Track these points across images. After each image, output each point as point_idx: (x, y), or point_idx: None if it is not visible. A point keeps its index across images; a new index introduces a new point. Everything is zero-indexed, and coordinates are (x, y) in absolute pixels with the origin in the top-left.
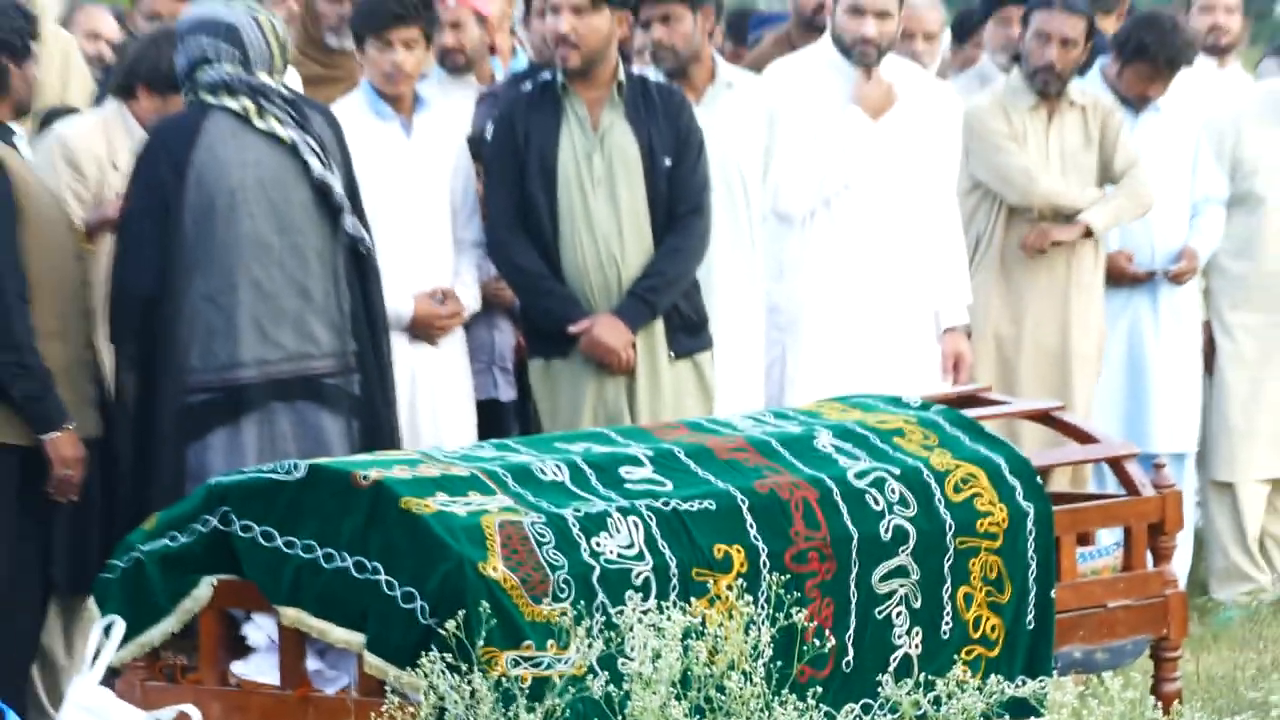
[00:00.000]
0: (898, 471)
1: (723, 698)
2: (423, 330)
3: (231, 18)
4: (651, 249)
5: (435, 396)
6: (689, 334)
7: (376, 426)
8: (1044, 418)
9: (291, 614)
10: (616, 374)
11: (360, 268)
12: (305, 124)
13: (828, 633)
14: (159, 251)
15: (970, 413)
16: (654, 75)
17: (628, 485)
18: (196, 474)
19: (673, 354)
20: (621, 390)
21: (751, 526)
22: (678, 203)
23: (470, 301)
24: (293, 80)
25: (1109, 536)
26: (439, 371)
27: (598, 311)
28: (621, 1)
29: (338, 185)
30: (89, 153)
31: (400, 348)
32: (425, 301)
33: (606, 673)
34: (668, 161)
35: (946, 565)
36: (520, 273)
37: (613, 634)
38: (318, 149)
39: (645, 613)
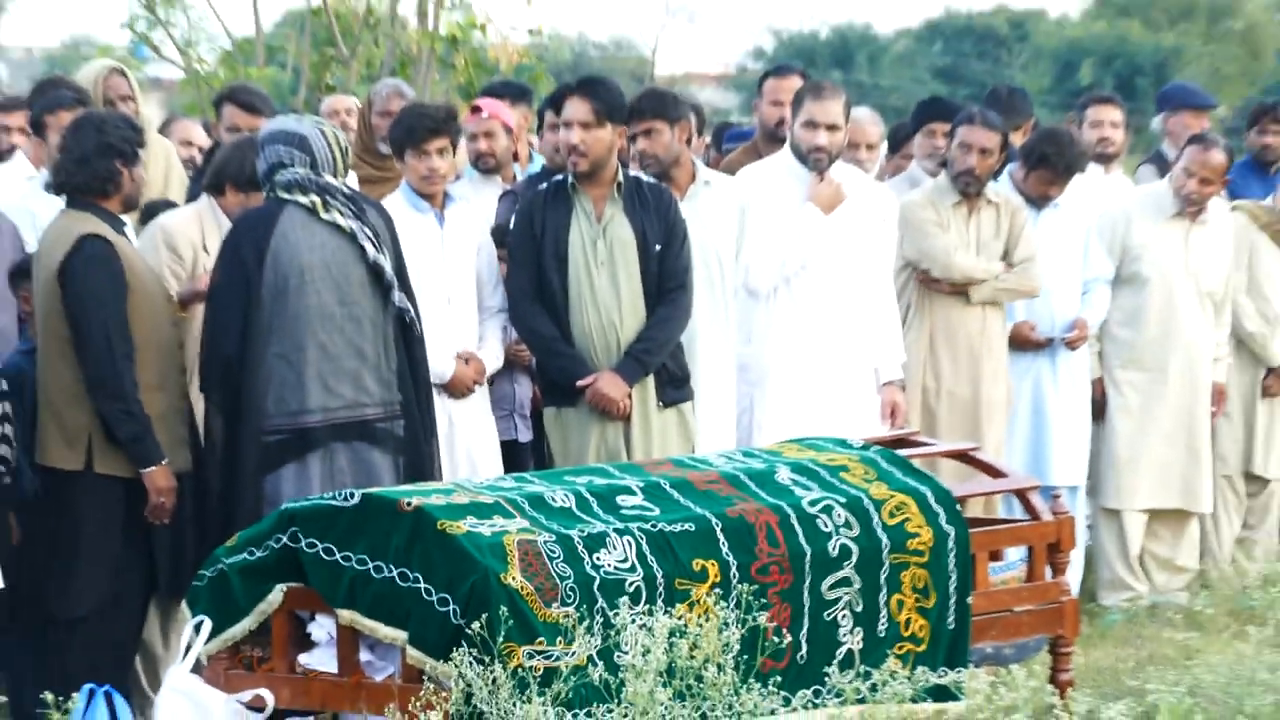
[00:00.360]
0: (843, 500)
1: (700, 685)
2: (455, 388)
3: (303, 130)
4: (644, 318)
5: (468, 438)
6: (674, 387)
7: (419, 462)
8: (962, 456)
9: (347, 615)
10: (616, 420)
11: (406, 334)
12: (362, 216)
13: (785, 632)
14: (241, 319)
15: (902, 452)
16: (645, 177)
17: (623, 511)
18: (272, 500)
19: (661, 403)
20: (620, 433)
21: (724, 545)
22: (666, 280)
23: (493, 361)
24: (351, 180)
25: (1015, 553)
26: (470, 418)
27: (600, 369)
28: (619, 119)
29: (388, 266)
30: (185, 238)
31: (439, 399)
32: (459, 365)
33: (604, 664)
34: (658, 247)
35: (883, 577)
36: (537, 337)
37: (610, 632)
38: (372, 237)
39: (636, 615)
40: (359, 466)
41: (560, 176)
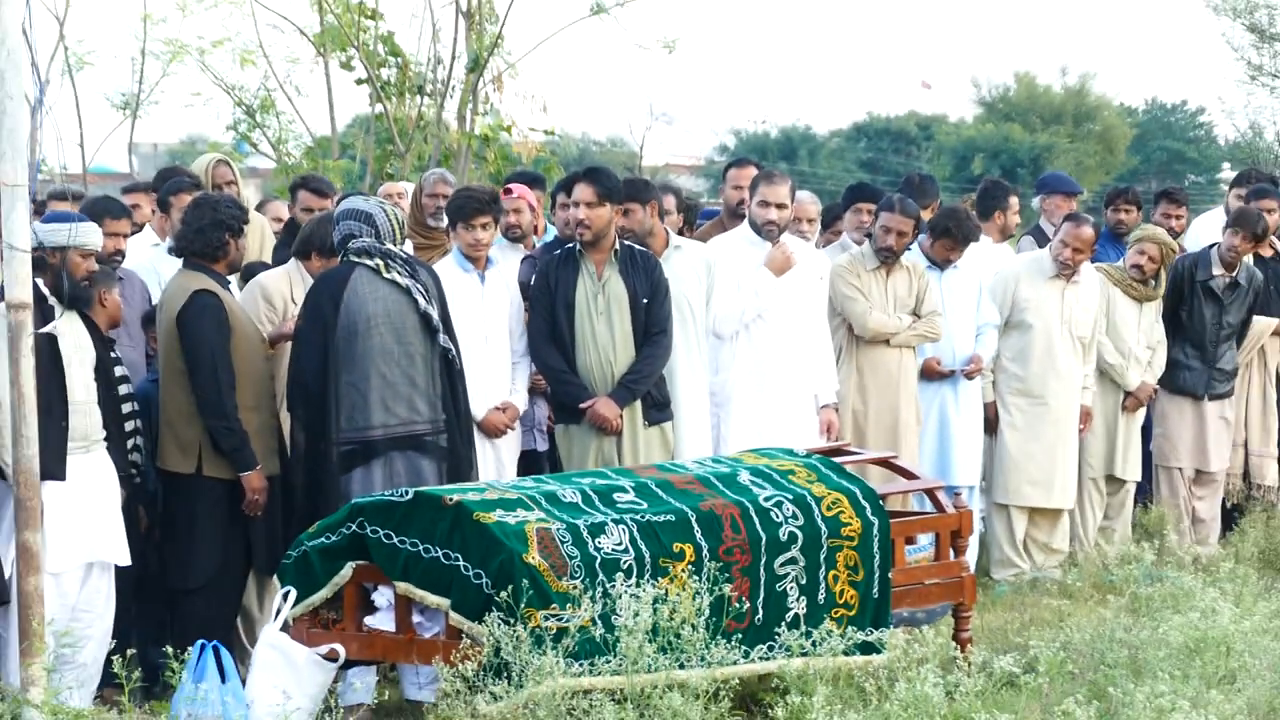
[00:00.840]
0: (791, 497)
1: (679, 641)
2: (489, 429)
3: (369, 208)
4: (634, 355)
5: (496, 449)
6: (658, 410)
7: (458, 467)
8: (884, 463)
9: (403, 586)
10: (610, 435)
11: (449, 368)
12: (415, 275)
13: (745, 599)
14: (320, 355)
15: (837, 459)
16: (636, 245)
17: (618, 505)
18: (344, 497)
19: (647, 422)
20: (613, 445)
21: (698, 532)
22: (651, 326)
23: (521, 403)
24: (407, 247)
25: (925, 539)
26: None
27: (599, 395)
28: (616, 199)
29: (435, 315)
30: (278, 292)
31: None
32: (494, 413)
33: (604, 625)
34: (645, 300)
35: (822, 557)
36: (550, 369)
37: (608, 600)
38: (423, 292)
39: (629, 587)
40: (411, 470)
41: (569, 245)
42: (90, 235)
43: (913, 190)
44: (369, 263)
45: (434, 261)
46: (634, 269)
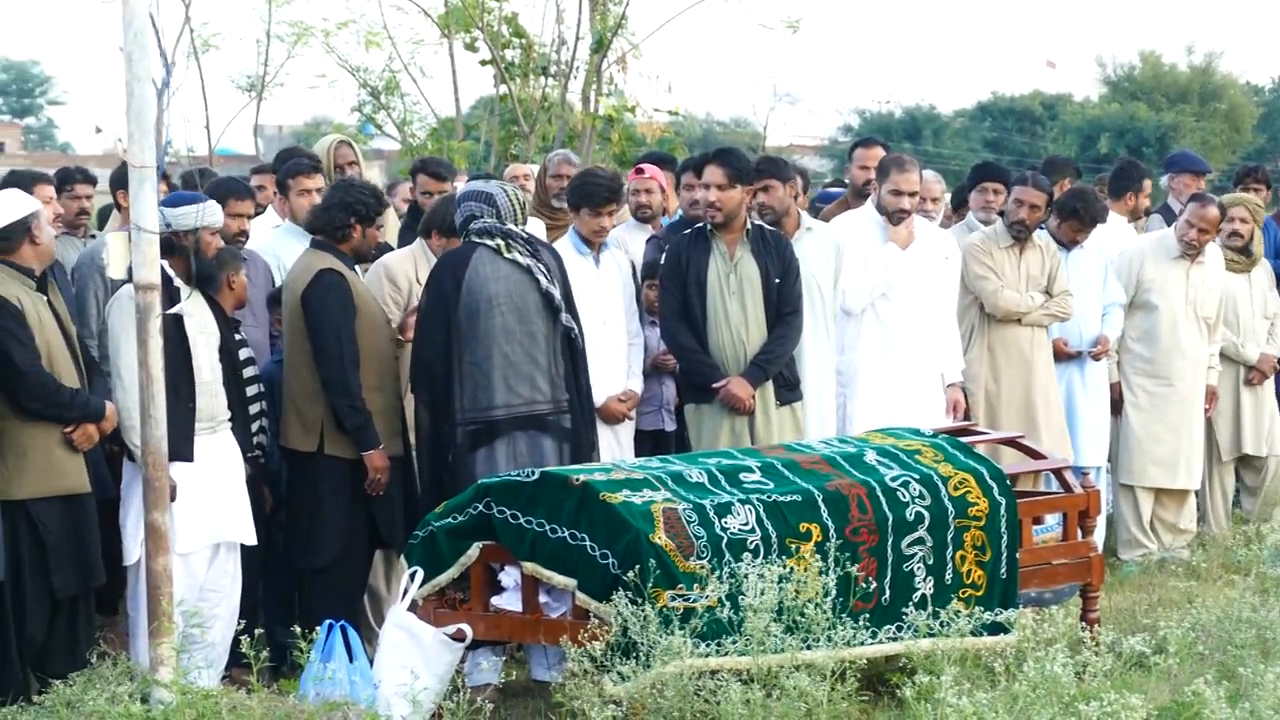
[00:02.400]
0: (918, 476)
1: (804, 621)
2: (609, 416)
3: (490, 189)
4: (766, 335)
5: (615, 431)
6: (788, 390)
7: (579, 447)
8: (1011, 443)
9: (530, 566)
10: (742, 415)
11: (571, 347)
12: (537, 255)
13: (872, 580)
14: (443, 335)
15: (965, 439)
16: (766, 225)
17: (745, 485)
18: (469, 477)
19: (778, 402)
20: (745, 425)
21: (824, 512)
22: (782, 306)
23: (639, 387)
24: (538, 228)
25: (1053, 519)
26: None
27: (731, 375)
28: (746, 180)
29: (557, 294)
30: (403, 273)
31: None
32: (614, 402)
33: (730, 605)
34: (777, 280)
35: (949, 537)
36: (682, 348)
37: (734, 580)
38: (545, 271)
39: (755, 567)
40: (533, 449)
41: (700, 224)
42: (216, 213)
43: (1053, 169)
44: (490, 243)
45: (558, 242)
46: (765, 249)
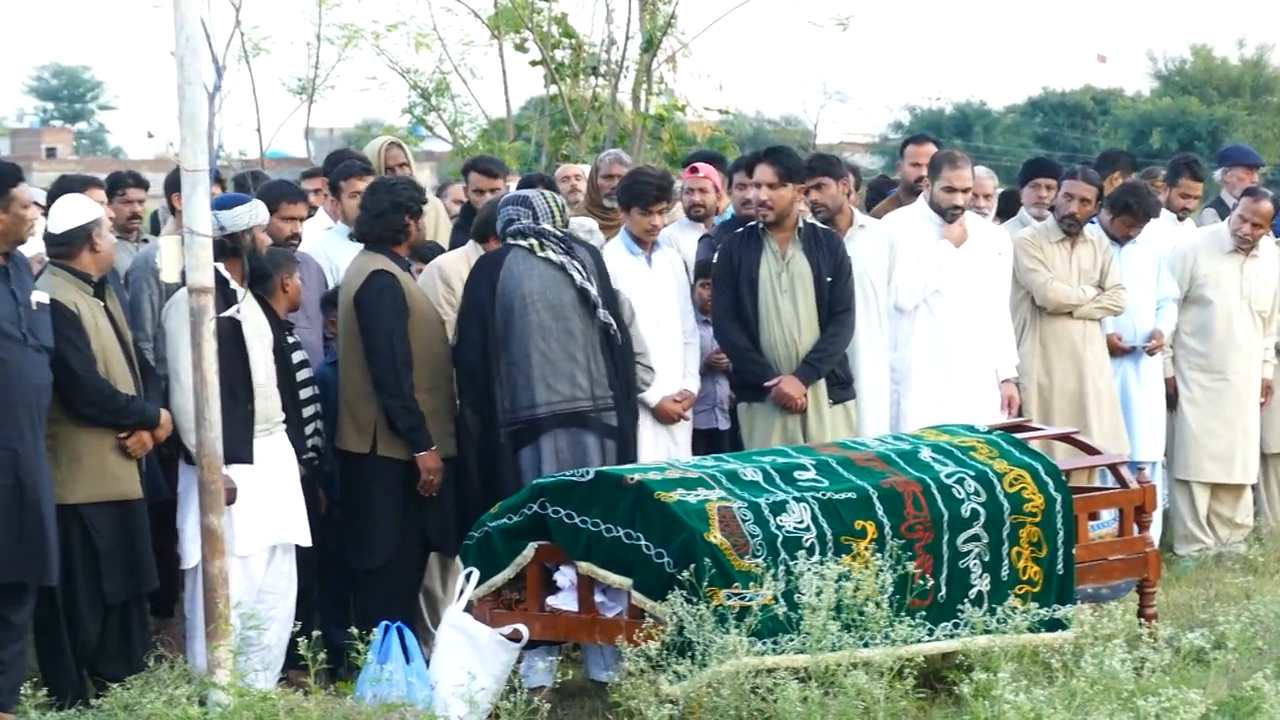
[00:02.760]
0: (973, 473)
1: (862, 619)
2: (664, 416)
3: (527, 193)
4: (818, 333)
5: (671, 431)
6: (841, 388)
7: (624, 446)
8: (1065, 439)
9: (585, 566)
10: (795, 413)
11: (610, 345)
12: (571, 252)
13: (929, 577)
14: (481, 337)
15: (1019, 435)
16: (818, 223)
17: (799, 483)
18: (515, 477)
19: (831, 401)
20: (798, 423)
21: (880, 509)
22: (834, 305)
23: (694, 387)
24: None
25: (1109, 514)
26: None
27: (783, 373)
28: (798, 179)
29: (593, 290)
30: (456, 275)
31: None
32: (669, 401)
33: (786, 603)
34: (829, 279)
35: (1005, 533)
36: (734, 347)
37: (790, 578)
38: (579, 267)
39: (811, 565)
40: (574, 446)
41: (752, 223)
42: (263, 212)
43: (1110, 163)
44: (523, 243)
45: (610, 242)
46: (817, 247)
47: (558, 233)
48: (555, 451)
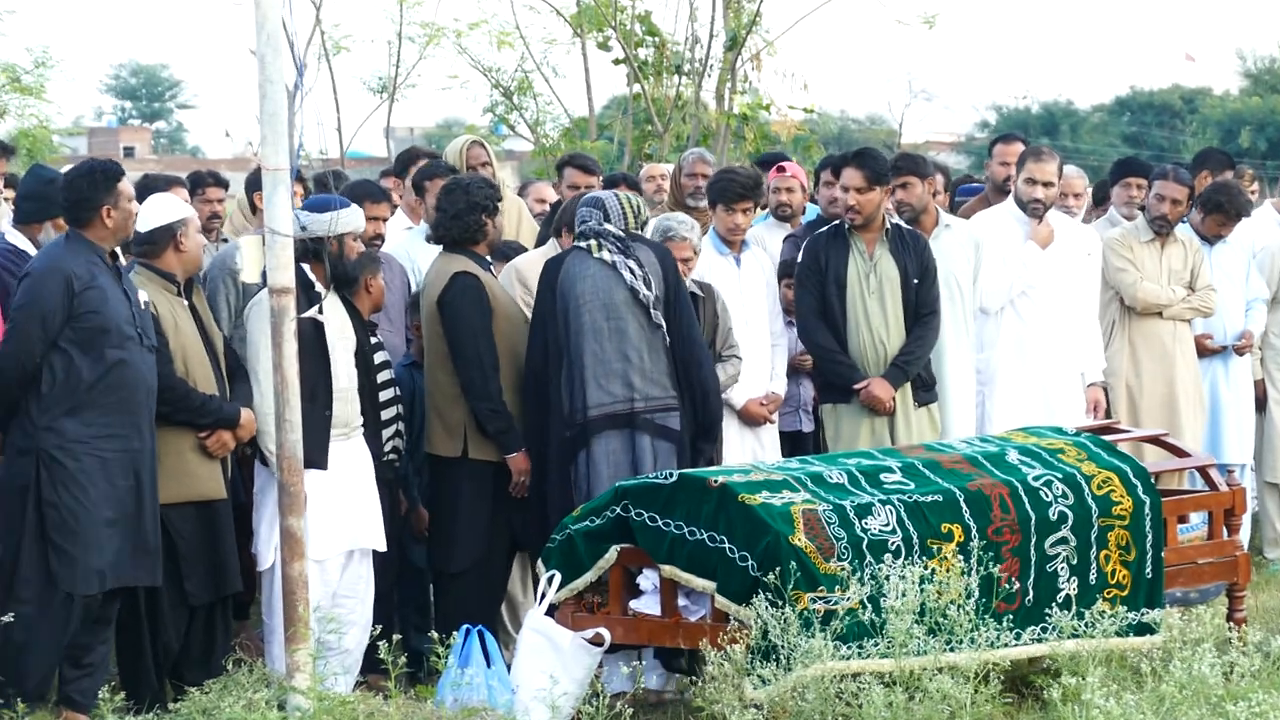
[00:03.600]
0: (1061, 476)
1: (947, 622)
2: (750, 418)
3: (603, 196)
4: (904, 335)
5: (756, 433)
6: (926, 390)
7: (683, 448)
8: (1154, 441)
9: (668, 569)
10: (882, 415)
11: (672, 346)
12: (627, 251)
13: (1015, 580)
14: (543, 341)
15: (1107, 438)
16: (904, 224)
17: (885, 485)
18: (574, 481)
19: (916, 403)
20: (885, 426)
21: (966, 512)
22: (920, 307)
23: (782, 389)
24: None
25: (1198, 517)
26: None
27: (870, 375)
28: (885, 182)
29: (644, 289)
30: (533, 275)
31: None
32: (755, 403)
33: (872, 607)
34: (915, 281)
35: (1093, 536)
36: (821, 348)
37: (876, 582)
38: (633, 267)
39: (897, 568)
40: (627, 449)
41: (838, 222)
42: (356, 218)
43: (1207, 162)
44: (582, 245)
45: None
46: (904, 249)
47: (618, 232)
48: (608, 454)
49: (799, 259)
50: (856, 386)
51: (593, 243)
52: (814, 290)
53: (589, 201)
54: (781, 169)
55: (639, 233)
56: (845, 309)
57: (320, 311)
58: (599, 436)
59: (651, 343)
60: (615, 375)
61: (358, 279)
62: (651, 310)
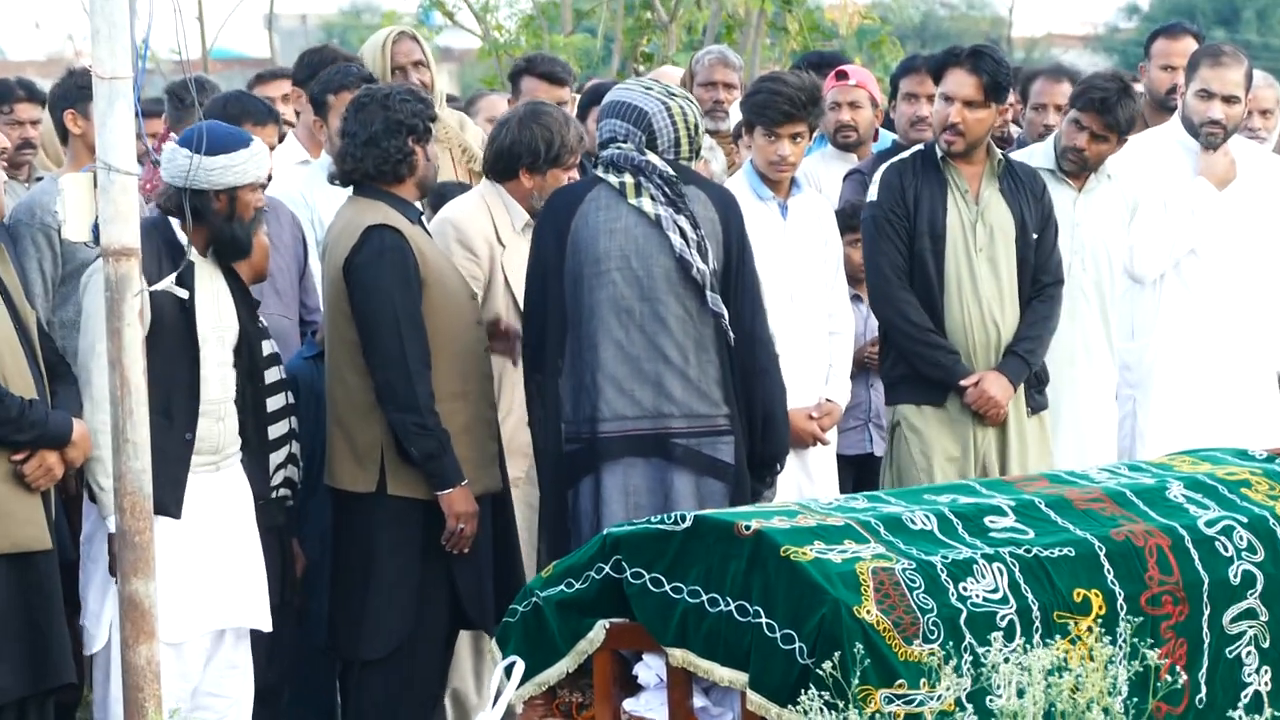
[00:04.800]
0: (1245, 520)
1: None
2: (795, 437)
3: (645, 104)
4: (1019, 313)
5: (802, 457)
6: (1039, 393)
7: (739, 488)
8: None
9: (679, 654)
10: (990, 425)
11: (725, 341)
12: (678, 201)
13: (1181, 671)
14: (542, 312)
15: None
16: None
17: (992, 534)
18: (573, 515)
19: (1030, 409)
20: (991, 442)
21: (1109, 572)
22: (1042, 273)
23: (844, 395)
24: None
25: None
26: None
27: (975, 366)
28: (1003, 98)
29: (699, 262)
30: (479, 234)
31: None
32: (802, 416)
33: (975, 709)
34: (1035, 235)
35: None
36: (910, 325)
37: (980, 672)
38: (684, 227)
39: (1010, 653)
40: (654, 486)
41: (924, 146)
42: (263, 160)
43: None
44: (613, 179)
45: (728, 182)
46: (1018, 190)
47: (665, 169)
48: (625, 490)
49: (872, 198)
50: (963, 383)
51: (628, 180)
52: (897, 243)
53: (621, 112)
54: (843, 74)
55: (691, 167)
56: (943, 271)
57: (183, 284)
58: (614, 464)
59: (701, 338)
60: (645, 380)
61: (250, 247)
62: (708, 292)
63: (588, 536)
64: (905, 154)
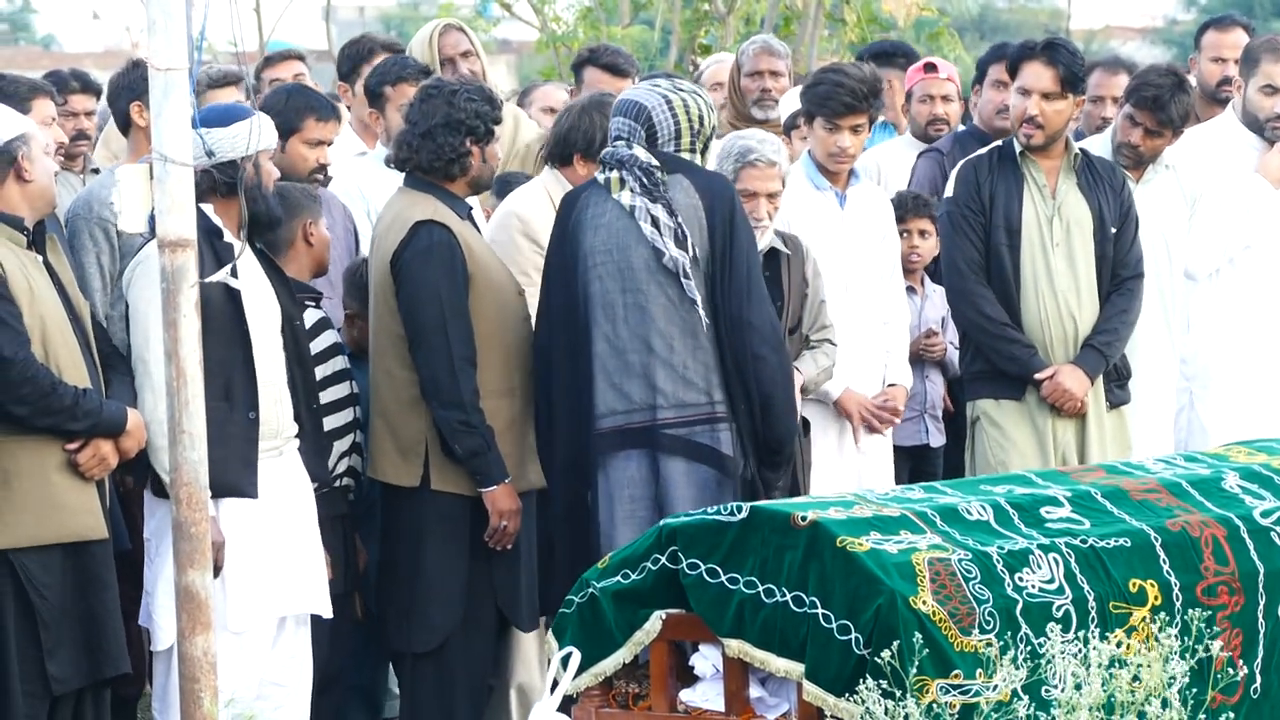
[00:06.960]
0: None
1: None
2: (852, 416)
3: (646, 100)
4: (1098, 307)
5: (860, 447)
6: (1119, 387)
7: (733, 476)
8: None
9: (735, 645)
10: (1070, 418)
11: (715, 329)
12: (653, 191)
13: (1238, 662)
14: (547, 311)
15: None
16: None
17: (1048, 524)
18: (593, 514)
19: (1109, 403)
20: (1072, 432)
21: (1164, 562)
22: (1121, 267)
23: (905, 379)
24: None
25: None
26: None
27: (1053, 360)
28: (1080, 90)
29: (673, 249)
30: (540, 222)
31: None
32: (864, 407)
33: (1031, 699)
34: (1114, 230)
35: None
36: (987, 319)
37: (1037, 663)
38: (661, 214)
39: (1067, 643)
40: (652, 478)
41: (1001, 142)
42: (271, 130)
43: None
44: (602, 177)
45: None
46: (1096, 184)
47: (647, 159)
48: (625, 484)
49: (949, 194)
50: (1039, 376)
51: (613, 175)
52: (972, 235)
53: (624, 109)
54: (932, 66)
55: (690, 158)
56: (1019, 266)
57: (234, 274)
58: (612, 459)
59: (686, 326)
60: (632, 373)
61: (280, 220)
62: (683, 279)
63: (595, 533)
64: (982, 150)
